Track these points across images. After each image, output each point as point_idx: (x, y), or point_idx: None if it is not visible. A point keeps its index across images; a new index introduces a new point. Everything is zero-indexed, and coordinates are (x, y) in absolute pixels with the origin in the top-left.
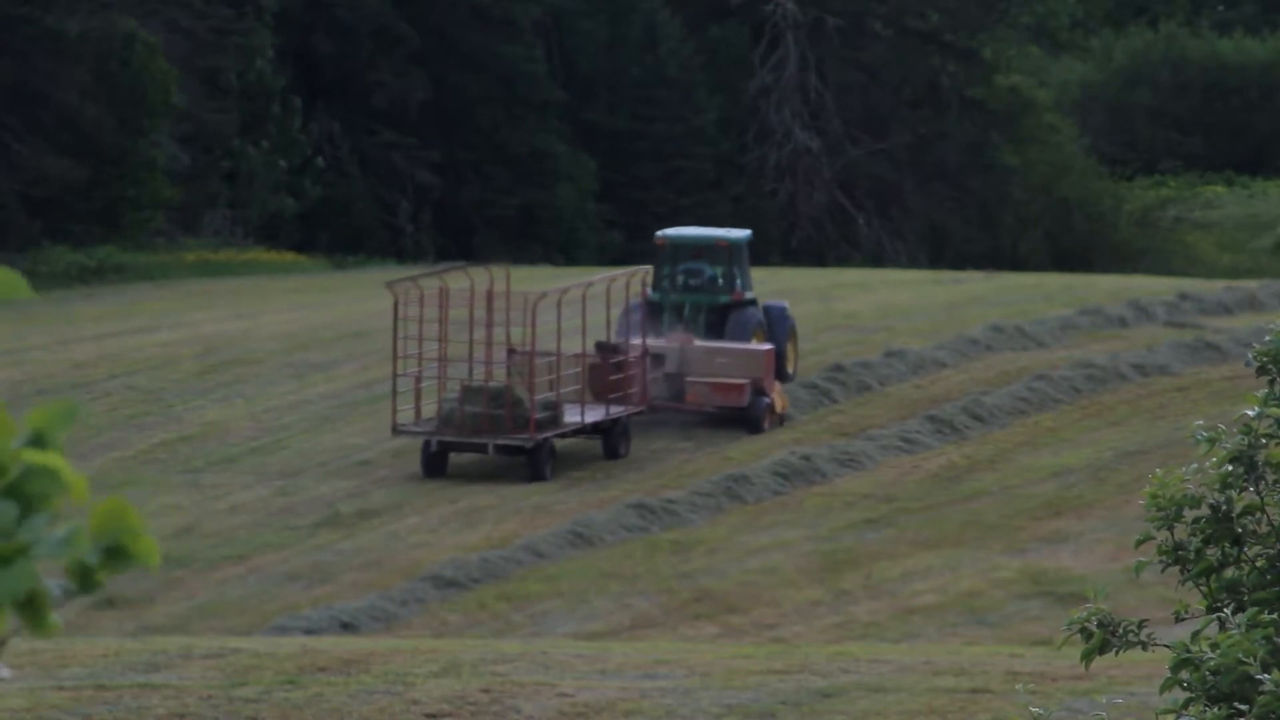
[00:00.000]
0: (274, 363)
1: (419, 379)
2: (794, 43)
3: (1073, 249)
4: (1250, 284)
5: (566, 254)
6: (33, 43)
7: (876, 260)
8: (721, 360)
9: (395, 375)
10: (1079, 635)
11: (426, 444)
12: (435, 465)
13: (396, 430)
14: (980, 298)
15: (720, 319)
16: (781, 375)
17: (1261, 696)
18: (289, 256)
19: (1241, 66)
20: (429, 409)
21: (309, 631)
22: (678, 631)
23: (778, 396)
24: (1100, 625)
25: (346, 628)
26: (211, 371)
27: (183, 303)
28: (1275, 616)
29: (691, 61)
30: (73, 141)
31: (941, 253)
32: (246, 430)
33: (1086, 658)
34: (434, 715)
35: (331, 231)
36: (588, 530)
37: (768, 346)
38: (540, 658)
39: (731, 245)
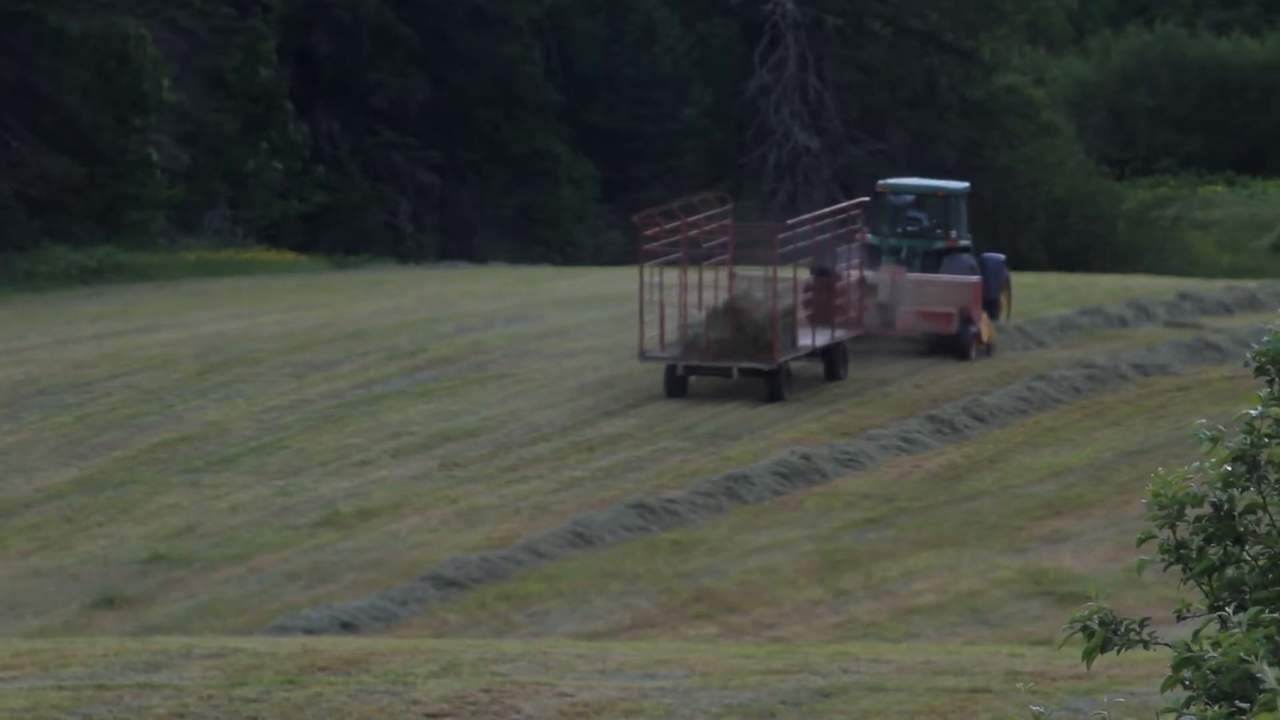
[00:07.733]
0: (274, 363)
1: (663, 305)
2: (793, 42)
3: (1071, 249)
4: (1250, 284)
5: (566, 254)
6: (33, 42)
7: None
8: (931, 290)
9: (641, 302)
10: (1080, 633)
11: (671, 368)
12: (677, 388)
13: (644, 355)
14: None
15: (934, 263)
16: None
17: (1263, 695)
18: (290, 256)
19: (1240, 66)
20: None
21: (309, 631)
22: (678, 631)
23: (985, 326)
24: (1102, 623)
25: (346, 628)
26: (211, 371)
27: (183, 303)
28: (1277, 615)
29: (689, 61)
30: (72, 141)
31: None
32: (246, 430)
33: (1088, 656)
34: (434, 715)
35: (332, 232)
36: (588, 530)
37: (975, 278)
38: (540, 658)
39: (948, 194)
